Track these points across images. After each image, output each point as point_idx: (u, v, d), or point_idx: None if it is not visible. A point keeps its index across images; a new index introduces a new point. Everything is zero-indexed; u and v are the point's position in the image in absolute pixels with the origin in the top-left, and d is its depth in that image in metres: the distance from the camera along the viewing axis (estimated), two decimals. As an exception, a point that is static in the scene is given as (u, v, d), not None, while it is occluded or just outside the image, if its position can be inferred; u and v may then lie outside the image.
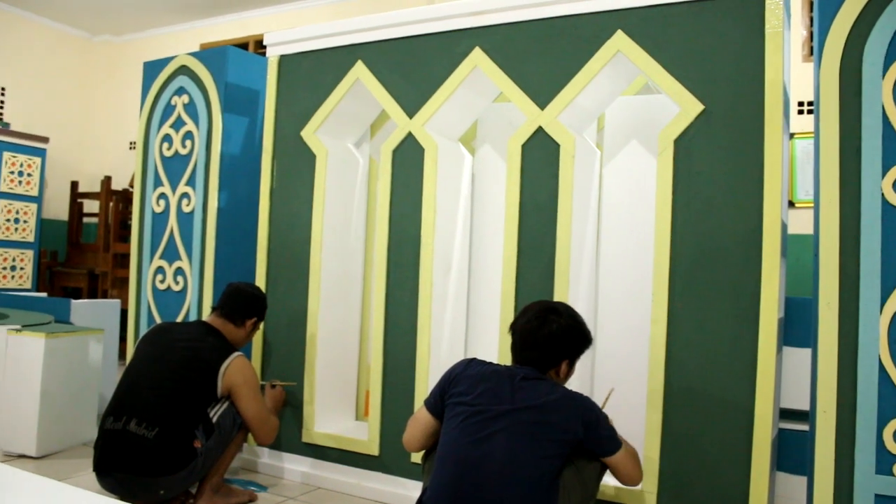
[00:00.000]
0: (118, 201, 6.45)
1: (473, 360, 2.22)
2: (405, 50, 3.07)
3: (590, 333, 2.22)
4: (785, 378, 2.58)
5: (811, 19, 4.48)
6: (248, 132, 3.72)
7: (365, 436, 3.09)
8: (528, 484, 1.95)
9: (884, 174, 2.10)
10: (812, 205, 2.25)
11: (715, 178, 2.43)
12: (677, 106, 2.50)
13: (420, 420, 2.25)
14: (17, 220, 6.23)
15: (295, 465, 3.22)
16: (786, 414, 2.60)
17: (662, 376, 2.45)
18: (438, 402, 2.19)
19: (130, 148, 7.37)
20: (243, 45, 6.49)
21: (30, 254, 6.35)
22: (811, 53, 4.50)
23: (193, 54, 3.75)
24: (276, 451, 3.28)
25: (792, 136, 4.33)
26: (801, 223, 3.99)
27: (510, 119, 3.21)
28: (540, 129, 2.75)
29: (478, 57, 2.89)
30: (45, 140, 6.44)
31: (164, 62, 3.84)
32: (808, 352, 2.30)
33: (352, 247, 3.45)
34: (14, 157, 6.19)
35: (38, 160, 6.37)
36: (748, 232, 2.36)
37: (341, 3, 6.23)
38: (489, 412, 2.03)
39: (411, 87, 3.05)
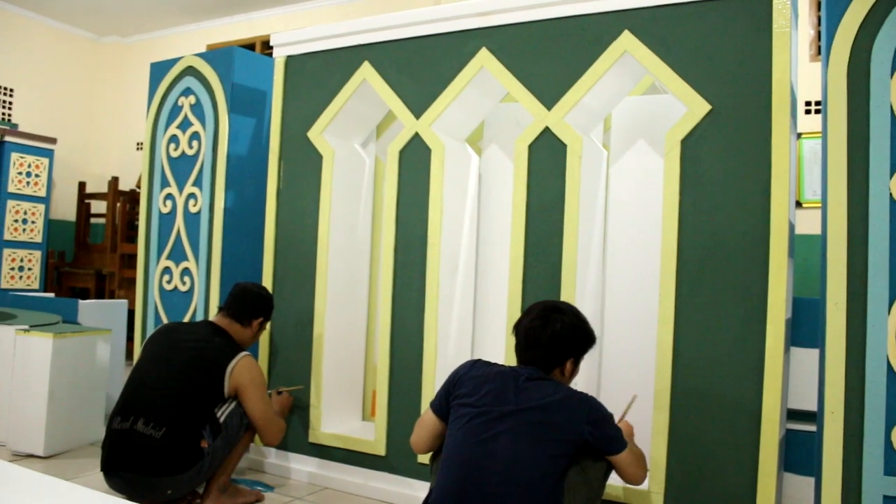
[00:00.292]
0: (125, 202, 6.47)
1: (478, 361, 2.23)
2: (412, 50, 3.07)
3: (593, 332, 2.22)
4: (792, 378, 2.57)
5: (818, 18, 4.47)
6: (254, 133, 3.73)
7: (371, 436, 3.09)
8: (532, 484, 1.95)
9: (892, 174, 2.09)
10: (819, 205, 2.24)
11: (722, 179, 2.42)
12: (684, 106, 2.50)
13: (426, 422, 2.26)
14: (24, 221, 6.25)
15: (301, 466, 3.23)
16: (793, 414, 2.59)
17: (669, 376, 2.44)
18: (444, 403, 2.19)
19: (137, 149, 7.40)
20: (250, 46, 6.49)
21: (37, 254, 6.36)
22: (818, 53, 4.49)
23: (200, 55, 3.76)
24: (282, 451, 3.29)
25: (799, 136, 4.31)
26: (808, 223, 3.98)
27: (517, 119, 3.21)
28: (547, 130, 2.75)
29: (485, 57, 2.89)
30: (52, 141, 6.46)
31: (171, 63, 3.86)
32: (815, 352, 2.29)
33: (358, 247, 3.45)
34: (22, 157, 6.21)
35: (45, 161, 6.39)
36: (755, 232, 2.35)
37: (348, 3, 6.24)
38: (493, 413, 2.03)
39: (418, 87, 3.05)
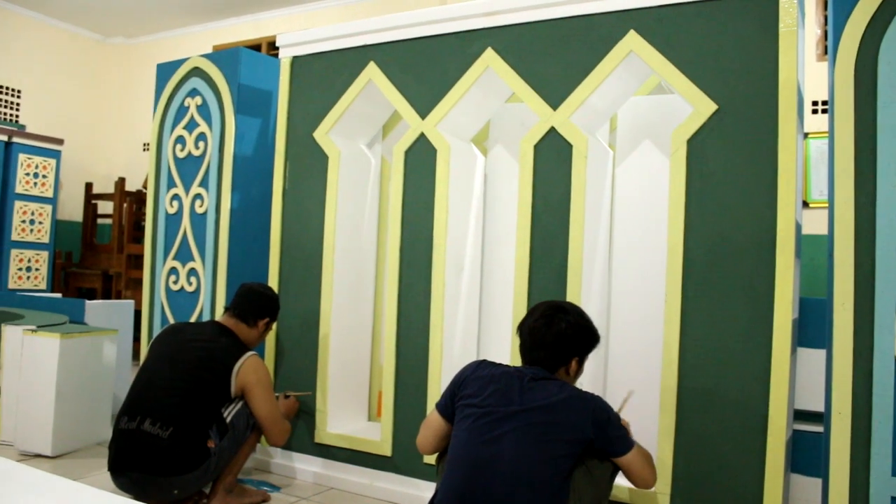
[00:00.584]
0: (132, 202, 6.49)
1: (483, 361, 2.23)
2: (417, 51, 3.07)
3: (597, 331, 2.23)
4: (799, 379, 2.56)
5: (825, 18, 4.45)
6: (260, 133, 3.73)
7: (377, 436, 3.10)
8: (538, 484, 1.95)
9: (899, 174, 2.08)
10: (826, 205, 2.24)
11: (728, 178, 2.41)
12: (690, 106, 2.49)
13: (432, 423, 2.26)
14: (32, 222, 6.27)
15: (307, 466, 3.23)
16: (800, 415, 2.58)
17: (676, 377, 2.44)
18: (449, 404, 2.19)
19: (144, 149, 7.42)
20: (256, 47, 6.51)
21: (45, 255, 6.39)
22: (825, 52, 4.47)
23: (206, 56, 3.77)
24: (288, 451, 3.29)
25: (806, 135, 4.30)
26: (815, 223, 3.97)
27: (523, 119, 3.21)
28: (552, 130, 2.74)
29: (490, 57, 2.89)
30: (59, 142, 6.48)
31: (177, 64, 3.87)
32: (822, 353, 2.29)
33: (364, 247, 3.45)
34: (29, 158, 6.24)
35: (52, 162, 6.41)
36: (762, 232, 2.34)
37: (353, 4, 6.25)
38: (498, 413, 2.03)
39: (424, 87, 3.05)
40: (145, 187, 6.34)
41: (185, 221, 3.73)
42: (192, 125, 3.76)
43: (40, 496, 1.37)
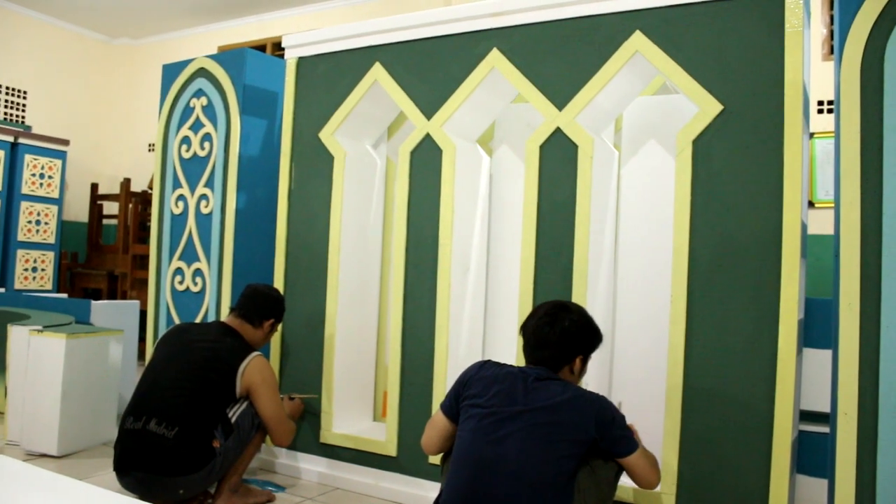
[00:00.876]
0: (137, 203, 6.51)
1: (487, 362, 2.23)
2: (423, 51, 3.07)
3: (600, 329, 2.23)
4: (805, 379, 2.56)
5: (831, 17, 4.44)
6: (266, 134, 3.74)
7: (382, 436, 3.10)
8: (542, 485, 1.95)
9: (906, 174, 2.08)
10: (832, 205, 2.23)
11: (734, 179, 2.41)
12: (696, 106, 2.49)
13: (436, 423, 2.26)
14: (38, 222, 6.29)
15: (312, 466, 3.23)
16: (806, 416, 2.58)
17: (681, 377, 2.44)
18: (453, 405, 2.19)
19: (149, 150, 7.44)
20: (261, 48, 6.52)
21: (51, 255, 6.41)
22: (831, 52, 4.46)
23: (211, 57, 3.78)
24: (293, 451, 3.29)
25: (812, 135, 4.29)
26: (820, 223, 3.96)
27: (528, 120, 3.21)
28: (558, 130, 2.74)
29: (496, 58, 2.89)
30: (65, 143, 6.50)
31: (183, 65, 3.87)
32: (828, 353, 2.28)
33: (369, 248, 3.45)
34: (35, 159, 6.26)
35: (58, 162, 6.43)
36: (768, 233, 2.34)
37: (359, 4, 6.25)
38: (503, 413, 2.03)
39: (429, 88, 3.05)
40: (151, 188, 6.36)
41: (191, 222, 3.74)
42: (197, 126, 3.76)
43: (46, 496, 1.37)
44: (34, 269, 6.29)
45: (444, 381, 2.89)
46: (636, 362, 2.96)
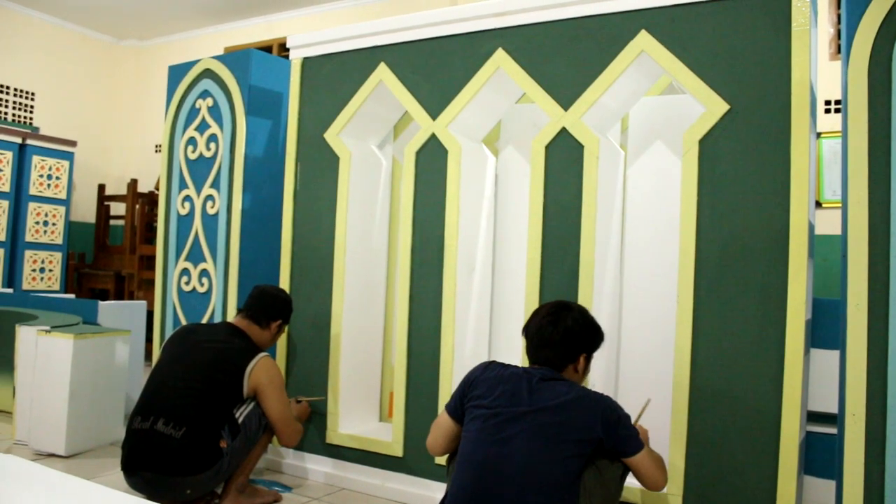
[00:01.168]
0: (144, 204, 6.53)
1: (492, 362, 2.23)
2: (428, 51, 3.07)
3: (601, 328, 2.24)
4: (812, 380, 2.54)
5: (838, 17, 4.42)
6: (271, 134, 3.74)
7: (389, 437, 3.10)
8: (547, 485, 1.94)
9: (914, 173, 2.07)
10: (839, 205, 2.22)
11: (740, 179, 2.40)
12: (702, 106, 2.48)
13: (442, 424, 2.26)
14: (45, 223, 6.32)
15: (319, 466, 3.24)
16: (813, 417, 2.57)
17: (688, 378, 2.43)
18: (458, 405, 2.19)
19: (156, 151, 7.46)
20: (267, 48, 6.53)
21: (58, 256, 6.44)
22: (838, 51, 4.45)
23: (217, 57, 3.78)
24: (300, 451, 3.30)
25: (819, 135, 4.28)
26: (828, 224, 3.95)
27: (534, 120, 3.20)
28: (563, 130, 2.74)
29: (501, 58, 2.88)
30: (72, 144, 6.53)
31: (189, 66, 3.88)
32: (836, 354, 2.27)
33: (375, 248, 3.45)
34: (43, 160, 6.29)
35: (66, 163, 6.46)
36: (775, 233, 2.33)
37: (364, 5, 6.26)
38: (507, 414, 2.03)
39: (434, 88, 3.05)
40: (157, 189, 6.37)
41: (197, 222, 3.75)
42: (203, 126, 3.77)
43: (54, 495, 1.38)
44: (42, 270, 6.31)
45: (450, 380, 2.89)
46: (642, 363, 2.96)
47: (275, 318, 2.96)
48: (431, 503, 2.85)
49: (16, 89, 6.88)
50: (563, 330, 2.14)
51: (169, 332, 3.75)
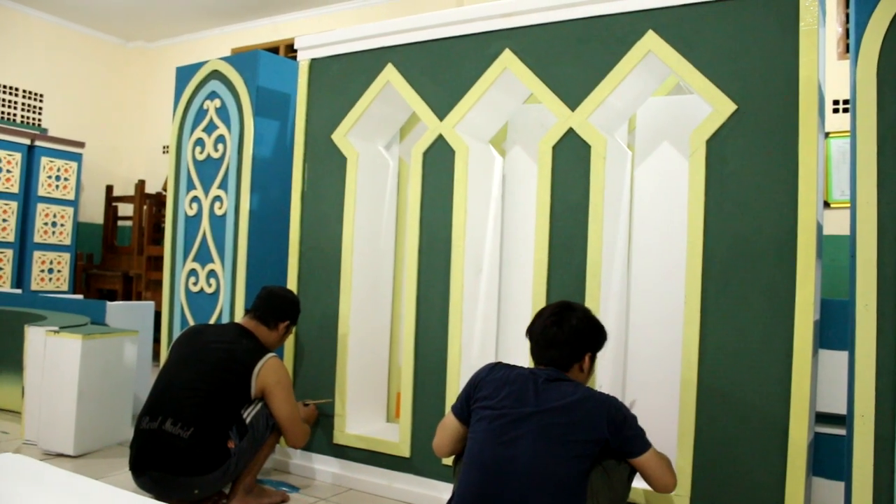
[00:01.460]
0: (152, 205, 6.55)
1: (498, 363, 2.23)
2: (435, 52, 3.07)
3: (604, 327, 2.26)
4: (821, 381, 2.53)
5: (846, 16, 4.41)
6: (279, 135, 3.75)
7: (396, 437, 3.10)
8: (554, 485, 1.94)
9: (923, 173, 2.06)
10: (848, 205, 2.21)
11: (748, 179, 2.39)
12: (709, 106, 2.47)
13: (448, 426, 2.27)
14: (54, 224, 6.35)
15: (326, 467, 3.24)
16: (822, 418, 2.56)
17: (695, 379, 2.42)
18: (464, 407, 2.20)
19: (164, 152, 7.48)
20: (274, 50, 6.55)
21: (66, 257, 6.46)
22: (846, 51, 4.43)
23: (225, 59, 3.79)
24: (307, 452, 3.30)
25: (827, 135, 4.26)
26: (836, 224, 3.93)
27: (541, 121, 3.20)
28: (571, 131, 2.74)
29: (508, 59, 2.88)
30: (81, 145, 6.56)
31: (196, 67, 3.89)
32: (844, 354, 2.26)
33: (382, 249, 3.46)
34: (51, 161, 6.32)
35: (74, 165, 6.49)
36: (783, 233, 2.32)
37: (371, 6, 6.27)
38: (514, 415, 2.03)
39: (441, 89, 3.05)
40: (165, 189, 6.40)
41: (205, 223, 3.76)
42: (210, 128, 3.78)
43: (62, 495, 1.39)
44: (50, 271, 6.34)
45: (457, 381, 2.89)
46: (650, 364, 2.95)
47: (283, 319, 2.97)
48: (438, 504, 2.85)
49: (24, 91, 6.91)
50: (569, 329, 2.15)
51: (177, 333, 3.76)
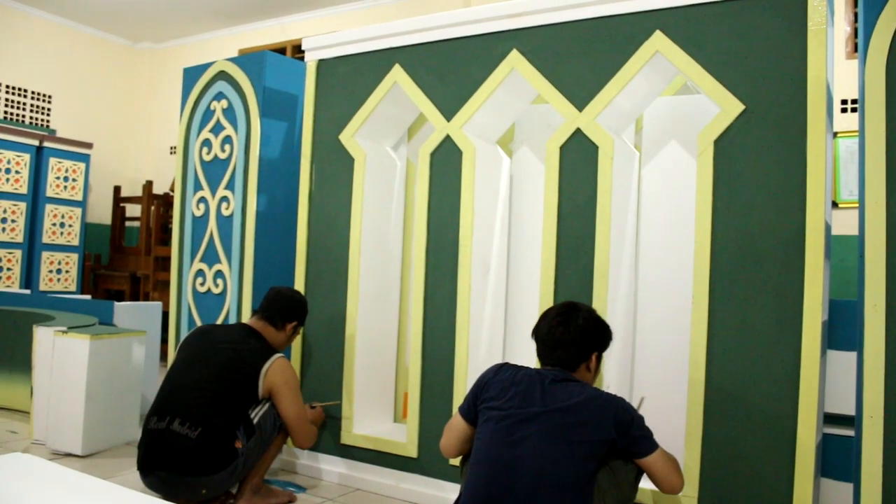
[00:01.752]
0: (159, 205, 6.58)
1: (504, 364, 2.23)
2: (442, 53, 3.08)
3: (609, 327, 2.26)
4: (829, 382, 2.52)
5: (855, 15, 4.39)
6: (286, 136, 3.76)
7: (403, 438, 3.10)
8: (561, 486, 1.94)
9: (932, 173, 2.05)
10: (856, 205, 2.20)
11: (756, 179, 2.39)
12: (717, 106, 2.47)
13: (455, 426, 2.27)
14: (62, 225, 6.37)
15: (333, 467, 3.24)
16: (830, 419, 2.55)
17: (703, 380, 2.42)
18: (471, 408, 2.20)
19: (171, 153, 7.50)
20: (281, 50, 6.56)
21: (74, 257, 6.49)
22: (855, 50, 4.41)
23: (232, 60, 3.80)
24: (314, 452, 3.30)
25: (835, 134, 4.25)
26: (845, 224, 3.91)
27: (548, 121, 3.20)
28: (578, 131, 2.73)
29: (515, 59, 2.88)
30: (89, 146, 6.58)
31: (204, 68, 3.90)
32: (853, 355, 2.26)
33: (390, 249, 3.46)
34: (60, 162, 6.34)
35: (82, 165, 6.51)
36: (791, 233, 2.31)
37: (378, 7, 6.27)
38: (520, 415, 2.03)
39: (449, 89, 3.05)
40: (172, 190, 6.42)
41: (212, 224, 3.76)
42: (218, 128, 3.79)
43: (71, 494, 1.39)
44: (58, 271, 6.37)
45: (464, 381, 2.89)
46: (657, 364, 2.94)
47: (290, 320, 2.97)
48: (446, 504, 2.85)
49: (33, 92, 6.94)
50: (575, 329, 2.16)
51: (184, 333, 3.77)
